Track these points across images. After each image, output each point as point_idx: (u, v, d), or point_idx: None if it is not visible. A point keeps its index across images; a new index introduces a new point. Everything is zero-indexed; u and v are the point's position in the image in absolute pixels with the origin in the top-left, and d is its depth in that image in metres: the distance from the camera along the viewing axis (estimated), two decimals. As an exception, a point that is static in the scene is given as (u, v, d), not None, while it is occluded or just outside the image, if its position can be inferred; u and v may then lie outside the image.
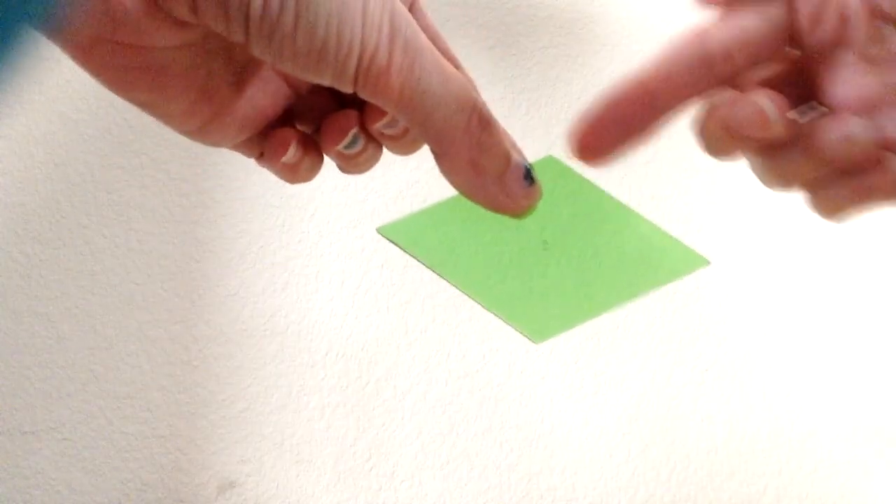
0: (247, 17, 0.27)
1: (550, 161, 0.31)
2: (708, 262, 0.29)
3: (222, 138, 0.32)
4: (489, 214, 0.30)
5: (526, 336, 0.29)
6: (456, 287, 0.30)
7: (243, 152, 0.33)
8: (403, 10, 0.28)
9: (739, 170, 0.34)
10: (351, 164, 0.32)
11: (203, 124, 0.31)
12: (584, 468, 0.69)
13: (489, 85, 0.82)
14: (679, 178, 0.79)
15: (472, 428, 0.70)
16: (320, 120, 0.32)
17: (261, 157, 0.33)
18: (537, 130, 0.82)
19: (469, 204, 0.30)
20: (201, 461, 0.69)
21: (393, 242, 0.30)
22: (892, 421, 0.72)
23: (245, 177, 0.78)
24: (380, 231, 0.30)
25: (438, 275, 0.30)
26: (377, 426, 0.70)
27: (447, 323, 0.73)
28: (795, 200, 0.33)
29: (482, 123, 0.30)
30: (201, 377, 0.71)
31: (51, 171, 0.78)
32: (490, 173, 0.30)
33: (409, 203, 0.77)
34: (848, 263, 0.78)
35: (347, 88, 0.28)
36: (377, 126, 0.31)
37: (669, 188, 0.76)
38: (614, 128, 0.32)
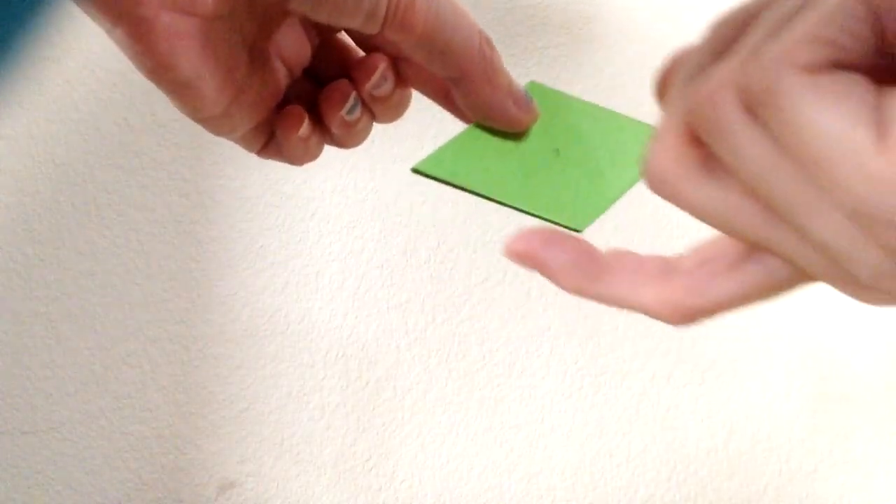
0: None
1: (534, 86, 0.36)
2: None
3: (240, 120, 0.33)
4: (501, 141, 0.35)
5: (569, 227, 0.33)
6: (495, 200, 0.34)
7: (248, 142, 0.35)
8: None
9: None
10: (350, 133, 0.34)
11: (228, 104, 0.32)
12: (584, 468, 0.69)
13: (489, 85, 0.82)
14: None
15: (472, 428, 0.70)
16: (311, 101, 0.34)
17: (267, 144, 0.35)
18: (537, 130, 0.82)
19: (482, 133, 0.34)
20: (201, 461, 0.69)
21: (431, 177, 0.34)
22: (892, 421, 0.72)
23: (245, 177, 0.78)
24: (415, 169, 0.33)
25: (477, 194, 0.34)
26: (377, 426, 0.70)
27: (447, 323, 0.73)
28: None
29: (489, 44, 0.33)
30: (201, 377, 0.71)
31: (51, 171, 0.78)
32: (502, 88, 0.33)
33: (408, 203, 0.77)
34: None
35: (376, 28, 0.30)
36: (367, 87, 0.33)
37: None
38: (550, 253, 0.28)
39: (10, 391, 0.70)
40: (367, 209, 0.77)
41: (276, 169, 0.78)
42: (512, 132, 0.35)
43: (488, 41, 0.33)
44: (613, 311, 0.70)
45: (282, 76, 0.34)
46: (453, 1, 0.32)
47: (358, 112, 0.34)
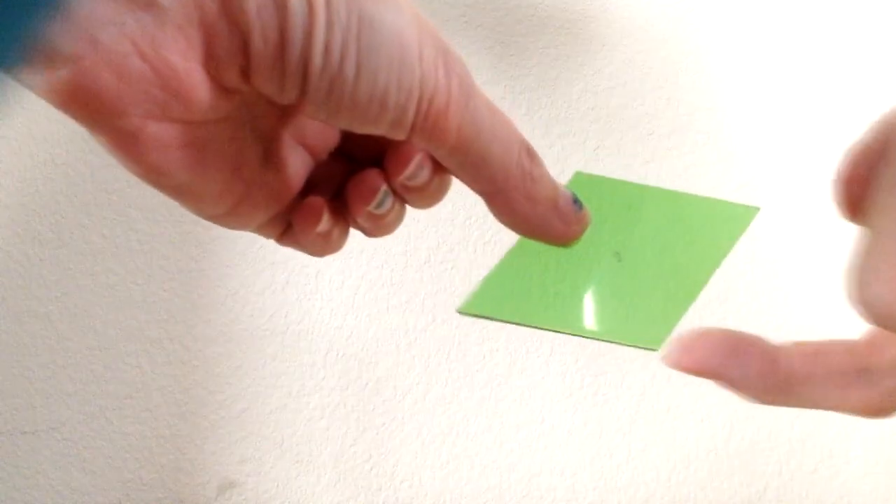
0: (306, 71, 0.25)
1: (579, 176, 0.32)
2: (759, 209, 0.30)
3: (251, 218, 0.31)
4: (550, 258, 0.30)
5: (646, 348, 0.29)
6: (557, 331, 0.30)
7: (265, 233, 0.32)
8: (452, 47, 0.27)
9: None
10: (380, 225, 0.31)
11: (235, 204, 0.29)
12: (584, 468, 0.69)
13: (489, 85, 0.82)
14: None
15: (472, 428, 0.70)
16: (338, 186, 0.31)
17: (284, 234, 0.32)
18: (537, 130, 0.82)
19: (527, 253, 0.31)
20: (201, 461, 0.69)
21: (478, 316, 0.30)
22: (892, 420, 0.72)
23: (245, 177, 0.78)
24: (461, 311, 0.30)
25: (535, 327, 0.30)
26: (377, 426, 0.70)
27: (447, 323, 0.73)
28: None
29: (530, 155, 0.29)
30: (201, 377, 0.71)
31: (51, 171, 0.78)
32: (544, 203, 0.29)
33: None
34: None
35: (402, 135, 0.27)
36: (401, 179, 0.30)
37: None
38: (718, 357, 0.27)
39: (10, 391, 0.70)
40: (367, 209, 0.77)
41: (276, 169, 0.78)
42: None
43: (529, 152, 0.29)
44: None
45: (303, 164, 0.31)
46: (492, 106, 0.28)
47: (388, 205, 0.30)
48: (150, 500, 0.68)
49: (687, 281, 0.30)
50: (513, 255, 0.31)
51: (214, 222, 0.30)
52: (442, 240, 0.76)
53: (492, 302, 0.30)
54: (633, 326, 0.29)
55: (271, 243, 0.80)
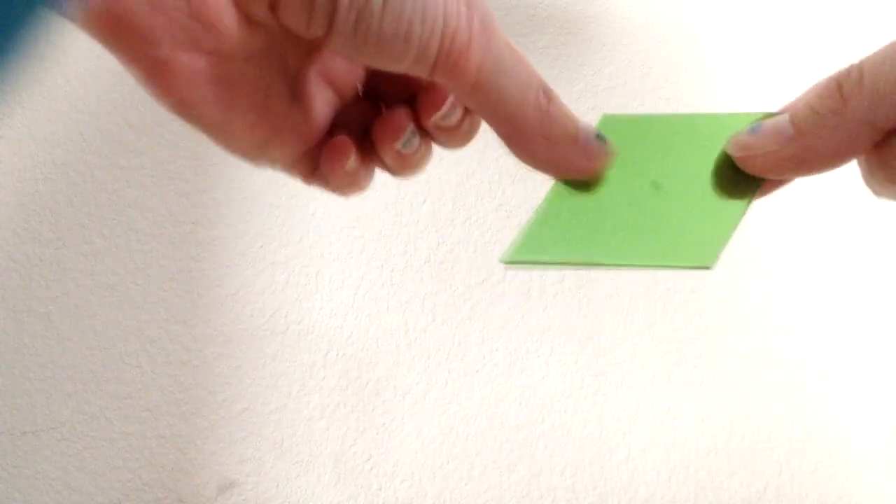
0: (334, 6, 0.25)
1: (607, 119, 0.32)
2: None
3: (281, 155, 0.30)
4: (589, 198, 0.30)
5: (697, 268, 0.28)
6: (605, 266, 0.29)
7: (294, 172, 0.32)
8: None
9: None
10: (407, 165, 0.31)
11: (263, 142, 0.29)
12: (584, 468, 0.69)
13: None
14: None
15: (472, 428, 0.70)
16: (366, 126, 0.31)
17: (312, 174, 0.32)
18: (537, 130, 0.82)
19: (564, 196, 0.30)
20: (201, 461, 0.69)
21: (524, 264, 0.30)
22: (892, 420, 0.72)
23: (245, 177, 0.78)
24: (505, 261, 0.30)
25: (584, 266, 0.29)
26: (377, 426, 0.70)
27: (447, 323, 0.73)
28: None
29: (548, 95, 0.29)
30: (201, 377, 0.71)
31: (51, 171, 0.78)
32: (564, 141, 0.29)
33: (408, 203, 0.77)
34: (848, 261, 0.78)
35: (425, 72, 0.27)
36: (434, 119, 0.30)
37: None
38: None
39: (10, 391, 0.70)
40: (367, 209, 0.77)
41: (276, 169, 0.78)
42: (599, 179, 0.31)
43: (546, 92, 0.29)
44: (613, 310, 0.70)
45: (329, 103, 0.31)
46: (512, 47, 0.28)
47: (415, 144, 0.31)
48: (150, 500, 0.68)
49: (732, 197, 0.30)
50: (549, 200, 0.30)
51: (244, 159, 0.30)
52: (442, 240, 0.76)
53: (536, 247, 0.30)
54: (683, 249, 0.29)
55: (271, 243, 0.80)
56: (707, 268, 0.28)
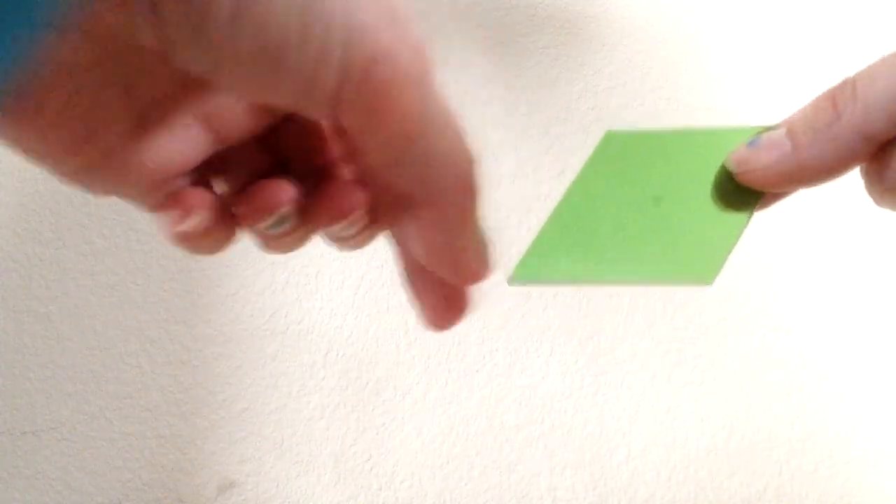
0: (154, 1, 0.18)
1: (611, 135, 0.31)
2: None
3: (109, 188, 0.24)
4: (591, 216, 0.30)
5: (697, 283, 0.28)
6: (609, 282, 0.29)
7: (140, 204, 0.25)
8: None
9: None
10: (273, 245, 0.25)
11: (83, 168, 0.22)
12: (584, 468, 0.69)
13: (489, 85, 0.82)
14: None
15: (472, 428, 0.70)
16: (247, 181, 0.25)
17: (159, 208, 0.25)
18: (537, 130, 0.82)
19: (565, 215, 0.30)
20: (201, 461, 0.69)
21: (529, 283, 0.29)
22: (892, 420, 0.72)
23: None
24: (513, 281, 0.29)
25: (588, 284, 0.29)
26: (377, 426, 0.70)
27: (447, 323, 0.73)
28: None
29: (476, 167, 0.23)
30: (201, 377, 0.71)
31: (51, 171, 0.78)
32: (472, 231, 0.25)
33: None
34: (848, 262, 0.78)
35: (320, 110, 0.20)
36: (332, 229, 0.24)
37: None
38: None
39: (10, 391, 0.70)
40: (367, 209, 0.77)
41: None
42: (607, 198, 0.29)
43: (475, 160, 0.23)
44: (613, 310, 0.70)
45: (196, 145, 0.24)
46: (443, 91, 0.21)
47: (287, 227, 0.24)
48: (150, 500, 0.68)
49: (733, 211, 0.30)
50: (553, 218, 0.30)
51: (62, 181, 0.23)
52: (442, 240, 0.76)
53: (540, 266, 0.29)
54: (684, 265, 0.29)
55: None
56: (707, 284, 0.28)
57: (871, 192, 0.29)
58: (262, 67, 0.18)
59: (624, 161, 0.31)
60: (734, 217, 0.29)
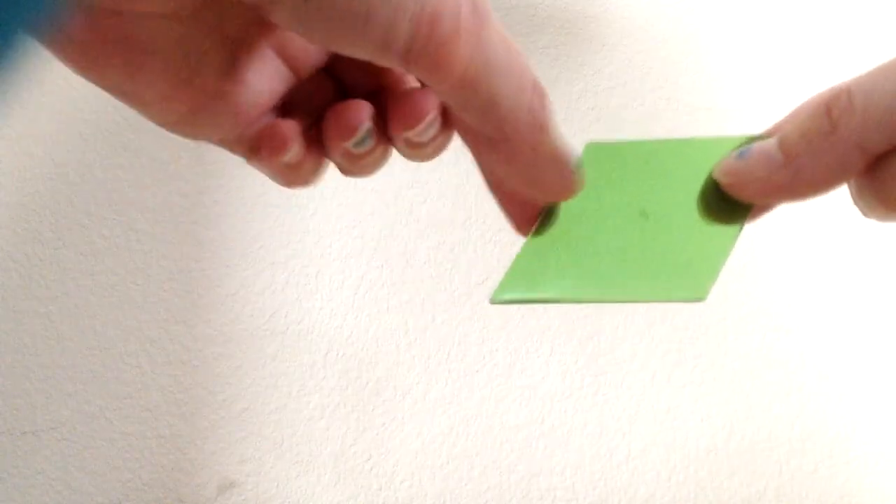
0: None
1: (591, 147, 0.30)
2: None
3: (210, 131, 0.26)
4: (575, 232, 0.29)
5: (690, 299, 0.27)
6: (595, 301, 0.28)
7: (232, 149, 0.27)
8: None
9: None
10: (356, 166, 0.27)
11: (185, 114, 0.25)
12: (584, 468, 0.69)
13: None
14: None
15: (472, 428, 0.70)
16: (323, 111, 0.27)
17: (253, 154, 0.27)
18: (537, 130, 0.82)
19: (550, 231, 0.29)
20: (201, 461, 0.69)
21: (512, 302, 0.28)
22: (892, 420, 0.72)
23: (245, 177, 0.78)
24: (494, 300, 0.28)
25: (572, 302, 0.28)
26: (377, 426, 0.70)
27: (447, 323, 0.73)
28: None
29: (542, 99, 0.25)
30: (201, 377, 0.71)
31: (51, 171, 0.78)
32: (547, 155, 0.26)
33: (408, 203, 0.77)
34: (848, 262, 0.78)
35: (393, 62, 0.22)
36: (405, 135, 0.26)
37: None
38: None
39: (10, 391, 0.70)
40: (367, 209, 0.77)
41: (276, 169, 0.78)
42: (587, 214, 0.29)
43: (541, 94, 0.25)
44: (613, 310, 0.70)
45: (279, 80, 0.26)
46: (507, 38, 0.24)
47: (369, 145, 0.26)
48: (150, 500, 0.68)
49: (722, 223, 0.29)
50: (535, 234, 0.29)
51: (166, 129, 0.26)
52: (442, 240, 0.76)
53: (523, 284, 0.28)
54: (675, 282, 0.28)
55: (271, 243, 0.80)
56: (700, 299, 0.27)
57: (859, 204, 0.28)
58: (347, 27, 0.21)
59: (607, 173, 0.30)
60: (724, 229, 0.28)
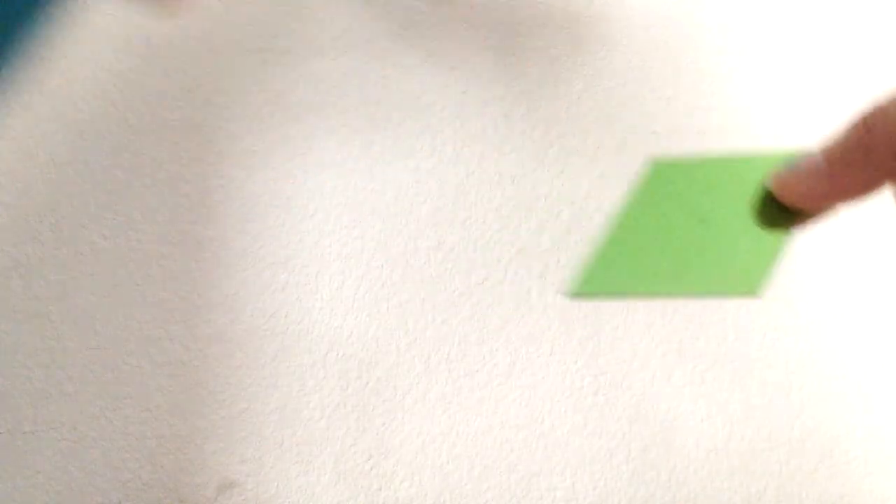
0: None
1: (657, 164, 0.35)
2: None
3: None
4: (643, 235, 0.33)
5: (745, 295, 0.31)
6: (662, 296, 0.32)
7: None
8: None
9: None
10: None
11: None
12: (584, 468, 0.69)
13: (489, 85, 0.82)
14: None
15: (472, 428, 0.70)
16: None
17: None
18: (537, 130, 0.82)
19: (623, 233, 0.33)
20: (201, 461, 0.69)
21: (589, 296, 0.33)
22: (892, 420, 0.72)
23: (245, 177, 0.78)
24: (574, 294, 0.32)
25: (640, 297, 0.33)
26: (377, 426, 0.70)
27: (447, 323, 0.73)
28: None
29: None
30: (201, 377, 0.71)
31: (51, 171, 0.78)
32: None
33: (408, 203, 0.77)
34: (848, 262, 0.78)
35: None
36: None
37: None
38: None
39: (10, 391, 0.70)
40: (367, 209, 0.77)
41: (276, 169, 0.78)
42: (654, 224, 0.33)
43: None
44: (613, 310, 0.71)
45: None
46: None
47: None
48: (150, 500, 0.68)
49: (774, 229, 0.32)
50: (609, 237, 0.33)
51: None
52: (442, 240, 0.76)
53: (598, 281, 0.33)
54: (731, 279, 0.31)
55: (271, 243, 0.80)
56: (755, 296, 0.31)
57: None
58: None
59: (672, 187, 0.34)
60: (776, 234, 0.32)
